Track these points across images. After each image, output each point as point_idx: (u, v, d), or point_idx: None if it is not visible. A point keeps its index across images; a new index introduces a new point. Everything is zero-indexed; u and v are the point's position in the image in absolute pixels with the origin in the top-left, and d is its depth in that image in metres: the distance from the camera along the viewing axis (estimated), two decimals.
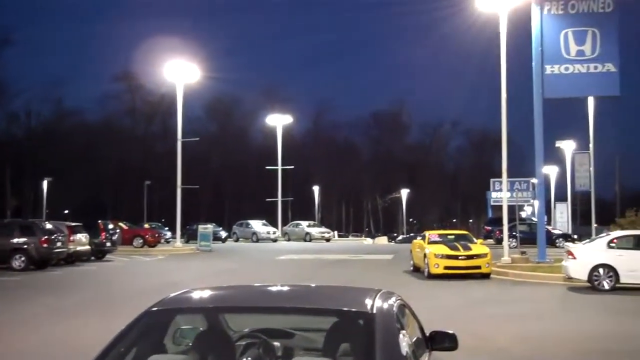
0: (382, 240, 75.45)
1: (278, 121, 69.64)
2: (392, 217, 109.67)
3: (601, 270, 19.32)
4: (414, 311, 5.04)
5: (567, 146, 61.95)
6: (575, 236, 49.95)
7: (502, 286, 21.09)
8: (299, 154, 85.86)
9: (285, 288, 5.24)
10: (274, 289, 5.22)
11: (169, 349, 4.48)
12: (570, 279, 20.46)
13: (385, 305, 4.30)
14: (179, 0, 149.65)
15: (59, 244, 27.77)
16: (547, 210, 56.43)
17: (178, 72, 44.28)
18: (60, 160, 79.76)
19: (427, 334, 4.94)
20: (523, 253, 28.08)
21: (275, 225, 63.22)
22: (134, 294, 17.99)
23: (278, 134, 68.29)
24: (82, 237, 30.69)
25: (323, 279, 22.76)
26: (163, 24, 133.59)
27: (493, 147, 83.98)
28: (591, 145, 51.33)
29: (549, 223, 55.61)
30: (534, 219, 44.83)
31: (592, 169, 52.12)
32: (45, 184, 75.79)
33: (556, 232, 49.24)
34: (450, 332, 4.93)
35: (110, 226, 36.03)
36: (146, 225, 54.99)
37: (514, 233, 35.14)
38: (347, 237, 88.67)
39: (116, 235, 35.33)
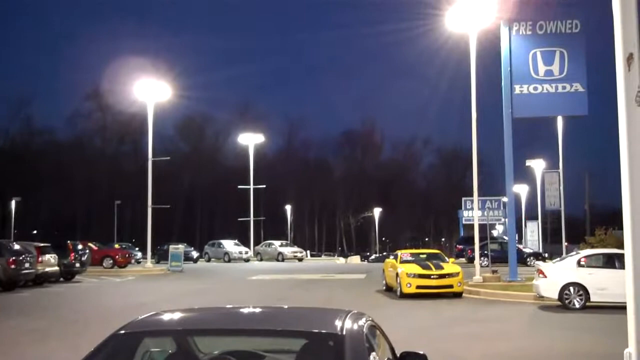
0: (355, 259, 75.39)
1: (250, 140, 69.61)
2: (365, 236, 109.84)
3: (571, 289, 19.47)
4: (384, 332, 5.01)
5: (537, 165, 62.66)
6: (546, 254, 50.45)
7: (473, 305, 21.13)
8: (271, 173, 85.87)
9: (256, 310, 5.19)
10: (244, 310, 5.16)
11: None
12: (541, 297, 20.57)
13: (355, 327, 4.26)
14: (151, 20, 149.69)
15: (27, 264, 27.31)
16: (518, 228, 56.91)
17: (149, 91, 44.13)
18: (29, 179, 78.92)
19: (398, 355, 4.90)
20: (494, 272, 28.24)
21: (247, 245, 62.97)
22: (102, 316, 17.73)
23: (250, 153, 68.21)
24: (51, 257, 30.25)
25: (295, 299, 22.64)
26: (134, 43, 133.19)
27: (464, 165, 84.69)
28: (561, 164, 52.02)
29: (520, 242, 56.05)
30: (505, 237, 45.21)
31: (561, 187, 52.77)
32: (13, 203, 74.74)
33: (527, 250, 49.66)
34: (421, 352, 4.90)
35: (80, 246, 35.53)
36: (116, 246, 54.39)
37: (485, 252, 35.36)
38: (320, 256, 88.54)
39: (86, 256, 34.85)
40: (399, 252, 26.85)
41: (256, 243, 66.89)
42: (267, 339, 4.65)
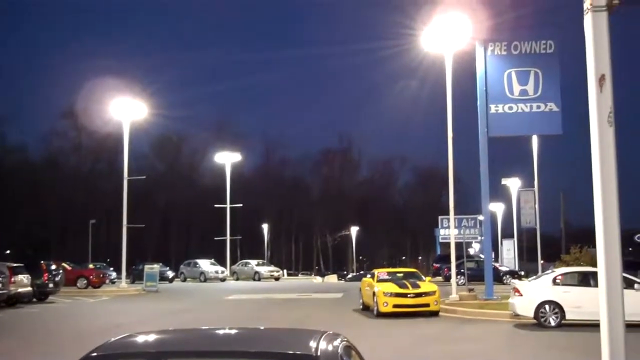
0: (332, 278, 75.29)
1: (227, 159, 69.45)
2: (342, 254, 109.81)
3: (547, 307, 19.56)
4: (359, 352, 4.99)
5: (513, 184, 63.16)
6: (522, 273, 50.68)
7: (450, 324, 21.15)
8: (248, 192, 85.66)
9: (231, 331, 5.14)
10: (219, 332, 5.11)
11: None
12: (517, 316, 20.63)
13: (330, 347, 4.24)
14: (127, 39, 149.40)
15: None
16: (494, 247, 57.20)
17: (124, 109, 43.94)
18: (2, 197, 77.90)
19: None
20: (471, 290, 28.30)
21: (223, 264, 62.64)
22: (75, 337, 17.49)
23: (227, 171, 68.02)
24: (24, 278, 29.81)
25: (272, 319, 22.52)
26: (110, 62, 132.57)
27: (441, 184, 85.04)
28: (536, 183, 52.47)
29: (496, 260, 56.30)
30: (481, 255, 45.46)
31: (537, 206, 53.16)
32: None
33: (503, 269, 49.89)
34: None
35: (53, 267, 35.12)
36: (90, 266, 53.82)
37: (462, 270, 35.46)
38: (297, 275, 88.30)
39: (59, 276, 34.43)
40: (375, 271, 26.84)
41: (233, 262, 66.56)
42: None
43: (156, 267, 43.90)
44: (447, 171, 30.27)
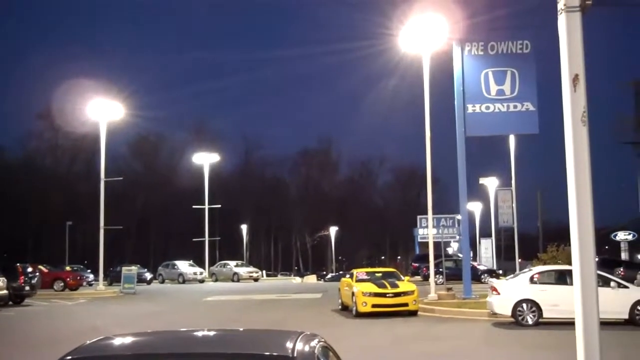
0: (311, 278, 75.25)
1: (205, 159, 69.16)
2: (321, 255, 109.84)
3: (524, 306, 19.68)
4: (337, 353, 4.99)
5: (491, 183, 63.56)
6: (500, 271, 51.00)
7: (428, 323, 21.22)
8: (226, 193, 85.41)
9: (209, 333, 5.12)
10: (197, 334, 5.08)
11: None
12: (495, 314, 20.74)
13: (307, 348, 4.25)
14: (104, 39, 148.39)
15: None
16: (472, 246, 57.50)
17: (101, 110, 43.62)
18: None
19: None
20: (449, 289, 28.42)
21: (202, 265, 62.36)
22: (51, 340, 17.32)
23: (205, 172, 67.74)
24: None
25: (250, 320, 22.47)
26: (87, 62, 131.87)
27: (420, 183, 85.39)
28: (513, 182, 52.90)
29: (474, 259, 56.64)
30: (460, 255, 45.64)
31: (514, 205, 53.57)
32: None
33: (481, 267, 50.16)
34: None
35: (29, 269, 34.75)
36: (67, 268, 53.28)
37: (440, 269, 35.58)
38: (276, 276, 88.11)
39: (35, 279, 34.09)
40: (354, 271, 26.86)
41: (211, 263, 66.27)
42: None
43: (134, 269, 43.61)
44: (425, 171, 30.38)
